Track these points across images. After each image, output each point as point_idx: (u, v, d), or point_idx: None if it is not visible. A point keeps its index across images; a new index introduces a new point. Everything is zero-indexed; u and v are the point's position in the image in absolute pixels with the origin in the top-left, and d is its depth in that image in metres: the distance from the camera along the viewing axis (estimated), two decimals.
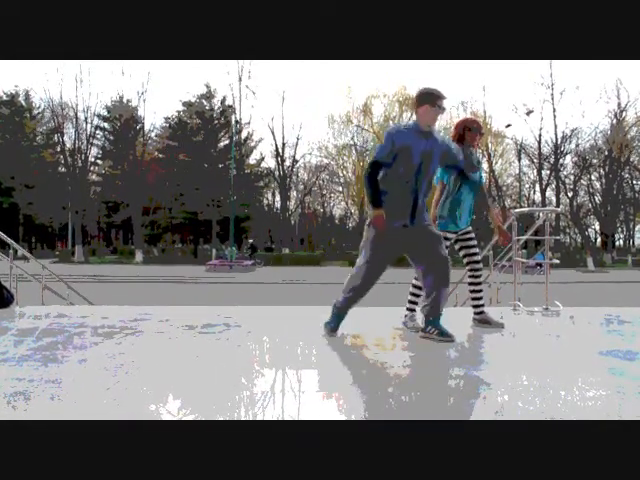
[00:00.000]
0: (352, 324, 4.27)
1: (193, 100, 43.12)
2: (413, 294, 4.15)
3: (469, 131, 4.05)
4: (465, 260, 4.20)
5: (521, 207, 35.88)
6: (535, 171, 41.70)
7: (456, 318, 4.96)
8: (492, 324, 4.13)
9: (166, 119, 43.94)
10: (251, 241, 34.15)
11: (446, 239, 4.00)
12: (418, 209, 3.48)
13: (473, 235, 4.18)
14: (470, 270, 4.20)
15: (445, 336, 3.45)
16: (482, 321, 4.20)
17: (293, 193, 45.65)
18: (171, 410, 2.04)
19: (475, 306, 4.25)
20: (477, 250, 4.18)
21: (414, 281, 4.11)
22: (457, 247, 4.21)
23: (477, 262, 4.18)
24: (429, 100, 3.43)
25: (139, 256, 35.03)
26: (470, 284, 4.25)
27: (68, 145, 38.79)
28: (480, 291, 4.23)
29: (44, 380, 2.37)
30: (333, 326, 3.69)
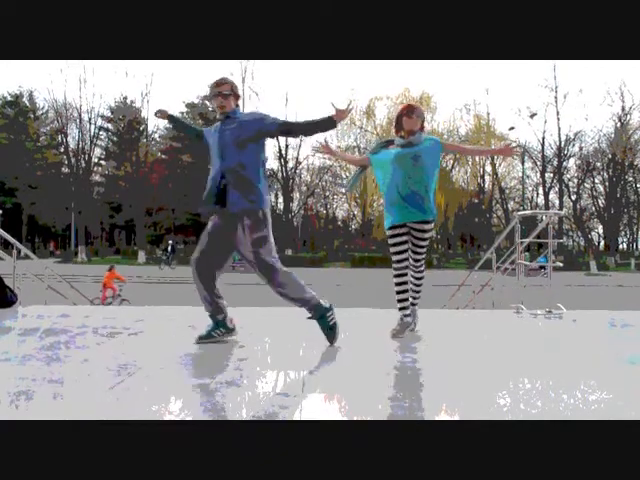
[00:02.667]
0: (354, 325, 4.26)
1: (196, 101, 43.26)
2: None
3: (404, 117, 3.85)
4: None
5: (524, 210, 35.82)
6: (538, 174, 41.66)
7: (458, 319, 4.95)
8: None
9: None
10: (170, 242, 30.57)
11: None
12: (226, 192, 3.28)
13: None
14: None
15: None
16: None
17: (296, 194, 45.70)
18: (173, 410, 2.04)
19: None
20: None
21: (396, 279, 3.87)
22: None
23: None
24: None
25: (142, 257, 35.09)
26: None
27: (72, 146, 38.96)
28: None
29: (46, 380, 2.37)
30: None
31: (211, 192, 3.28)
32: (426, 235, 3.85)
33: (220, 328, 3.40)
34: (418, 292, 4.00)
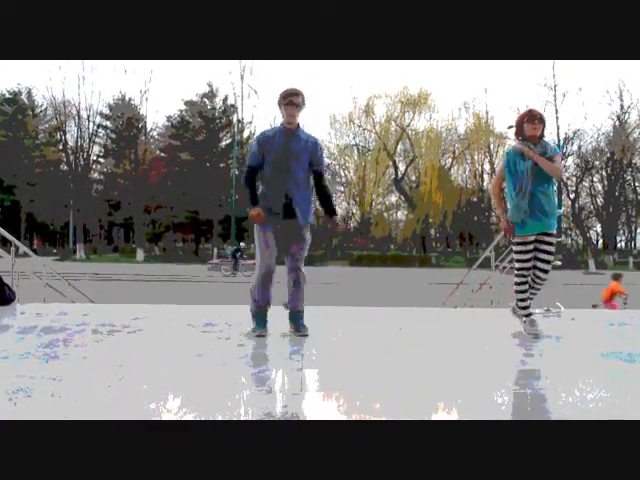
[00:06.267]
0: (353, 324, 4.27)
1: (195, 99, 43.15)
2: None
3: (525, 123, 3.79)
4: None
5: None
6: None
7: (456, 318, 4.96)
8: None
9: (168, 118, 43.96)
10: (243, 244, 28.52)
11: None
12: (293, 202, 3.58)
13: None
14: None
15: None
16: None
17: None
18: (171, 409, 2.05)
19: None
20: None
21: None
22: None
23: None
24: (279, 101, 3.57)
25: (140, 254, 35.06)
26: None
27: (70, 143, 38.90)
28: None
29: (45, 377, 2.37)
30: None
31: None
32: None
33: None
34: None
